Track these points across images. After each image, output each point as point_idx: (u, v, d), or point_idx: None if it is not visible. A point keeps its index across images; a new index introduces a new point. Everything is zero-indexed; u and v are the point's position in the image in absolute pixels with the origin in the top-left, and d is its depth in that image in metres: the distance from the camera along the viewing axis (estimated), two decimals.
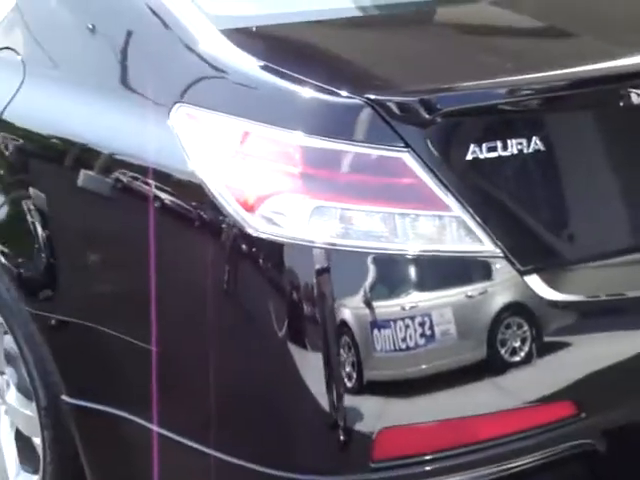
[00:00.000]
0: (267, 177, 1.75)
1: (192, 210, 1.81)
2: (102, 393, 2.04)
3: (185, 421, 1.90)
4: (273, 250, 1.73)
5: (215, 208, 1.76)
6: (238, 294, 1.78)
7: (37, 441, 2.25)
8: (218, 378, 1.83)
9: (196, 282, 1.82)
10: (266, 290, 1.74)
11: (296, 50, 1.98)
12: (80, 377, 2.08)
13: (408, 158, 1.73)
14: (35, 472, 2.37)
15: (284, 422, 1.79)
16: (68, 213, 2.04)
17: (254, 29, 1.98)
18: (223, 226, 1.76)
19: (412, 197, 1.74)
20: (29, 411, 2.25)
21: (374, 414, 1.75)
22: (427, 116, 1.74)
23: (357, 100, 1.74)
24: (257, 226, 1.73)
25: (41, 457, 2.25)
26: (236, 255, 1.77)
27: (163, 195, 1.84)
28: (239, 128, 1.78)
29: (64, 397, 2.08)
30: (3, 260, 2.15)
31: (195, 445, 1.86)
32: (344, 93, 1.75)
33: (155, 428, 1.91)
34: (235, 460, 1.81)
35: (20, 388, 2.32)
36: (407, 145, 1.73)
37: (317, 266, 1.71)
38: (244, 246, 1.75)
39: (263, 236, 1.72)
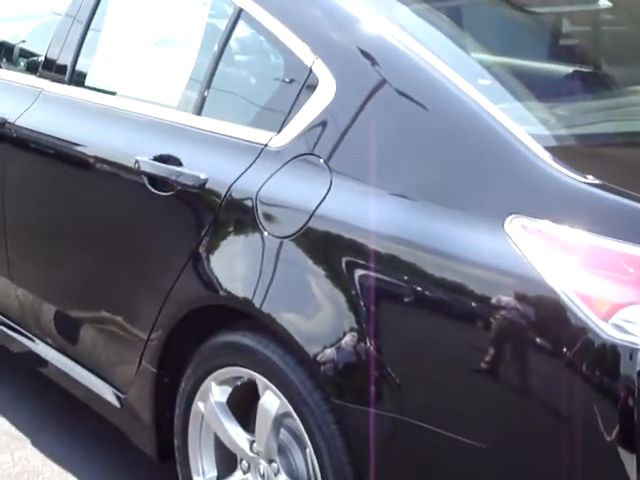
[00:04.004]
0: (619, 288, 1.89)
1: (536, 314, 1.94)
2: None
3: None
4: (627, 356, 1.85)
5: (563, 313, 1.90)
6: (585, 397, 1.89)
7: None
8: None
9: (536, 381, 1.96)
10: (619, 395, 1.86)
11: (626, 167, 2.15)
12: (389, 469, 2.16)
13: None
14: None
15: None
16: (393, 315, 2.16)
17: (575, 147, 2.17)
18: (572, 330, 1.89)
19: None
20: None
21: None
22: None
23: None
24: (611, 333, 1.87)
25: None
26: (584, 358, 1.89)
27: (504, 299, 1.98)
28: (586, 240, 1.93)
29: None
30: (308, 352, 2.26)
31: None
32: None
33: None
34: None
35: (292, 476, 2.43)
36: None
37: None
38: (595, 351, 1.88)
39: (618, 342, 1.86)
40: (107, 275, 2.91)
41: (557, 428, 1.96)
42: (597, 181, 2.00)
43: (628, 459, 1.88)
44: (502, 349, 2.00)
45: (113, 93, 3.05)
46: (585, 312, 1.89)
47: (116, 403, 2.91)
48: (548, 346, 1.94)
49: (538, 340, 1.95)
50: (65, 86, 3.17)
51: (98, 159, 2.92)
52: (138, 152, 2.73)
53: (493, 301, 2.00)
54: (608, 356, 1.87)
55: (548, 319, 1.94)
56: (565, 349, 1.91)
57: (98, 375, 3.02)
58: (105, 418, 3.00)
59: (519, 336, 1.98)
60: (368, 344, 2.17)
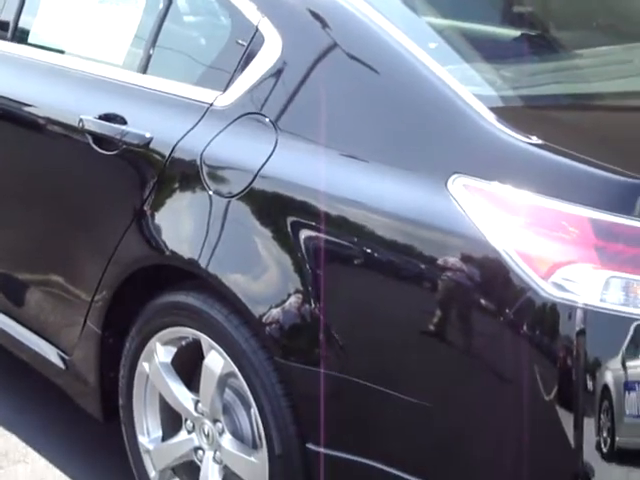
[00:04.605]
0: (559, 247, 1.91)
1: (478, 273, 1.96)
2: (357, 444, 2.14)
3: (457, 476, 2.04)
4: (566, 315, 1.87)
5: (505, 273, 1.91)
6: (525, 356, 1.91)
7: None
8: (488, 434, 1.98)
9: (478, 340, 1.98)
10: (558, 355, 1.88)
11: (569, 128, 2.16)
12: (333, 427, 2.17)
13: None
14: None
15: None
16: (335, 275, 2.16)
17: (519, 108, 2.18)
18: (514, 289, 1.91)
19: None
20: (253, 458, 2.35)
21: None
22: None
23: None
24: (551, 291, 1.89)
25: None
26: (524, 317, 1.91)
27: (447, 259, 1.99)
28: (528, 200, 1.95)
29: (310, 445, 2.20)
30: (252, 312, 2.25)
31: None
32: (629, 172, 1.92)
33: None
34: None
35: (237, 435, 2.43)
36: None
37: (614, 332, 1.87)
38: (535, 309, 1.90)
39: (557, 301, 1.88)
40: (51, 236, 2.87)
41: (498, 387, 1.98)
42: (540, 142, 2.01)
43: (566, 418, 1.91)
44: (445, 309, 2.01)
45: (57, 51, 3.00)
46: (526, 271, 1.90)
47: (61, 365, 2.89)
48: (490, 306, 1.95)
49: (480, 300, 1.96)
50: (8, 43, 3.11)
51: (41, 118, 2.88)
52: (82, 111, 2.69)
53: (437, 261, 2.01)
54: (548, 315, 1.90)
55: (490, 279, 1.96)
56: (506, 308, 1.92)
57: (43, 337, 3.00)
58: (50, 380, 2.99)
59: (462, 296, 1.99)
60: (313, 305, 2.17)
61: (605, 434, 1.89)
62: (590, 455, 1.89)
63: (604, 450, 1.89)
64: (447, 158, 2.07)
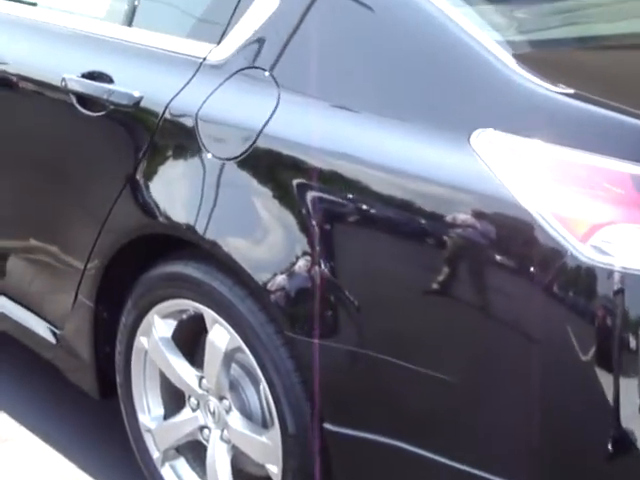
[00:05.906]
0: (598, 207, 1.75)
1: (507, 235, 1.80)
2: (382, 423, 1.99)
3: (481, 452, 1.89)
4: (606, 279, 1.72)
5: (538, 235, 1.75)
6: (564, 321, 1.76)
7: (273, 469, 2.21)
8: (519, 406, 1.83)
9: (509, 309, 1.82)
10: (600, 319, 1.73)
11: (600, 76, 1.98)
12: (351, 406, 2.03)
13: None
14: None
15: (595, 452, 1.79)
16: (348, 240, 2.00)
17: (546, 55, 2.00)
18: (548, 253, 1.75)
19: None
20: (264, 438, 2.21)
21: None
22: None
23: None
24: (589, 255, 1.73)
25: None
26: (564, 282, 1.75)
27: (471, 221, 1.83)
28: (561, 155, 1.78)
29: (327, 425, 2.05)
30: (257, 282, 2.10)
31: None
32: None
33: (445, 460, 1.90)
34: None
35: (245, 413, 2.28)
36: None
37: None
38: (573, 274, 1.74)
39: (597, 265, 1.72)
40: (38, 203, 2.68)
41: (528, 353, 1.81)
42: (571, 90, 1.84)
43: (605, 379, 1.76)
44: (476, 277, 1.85)
45: (32, 4, 2.79)
46: (562, 234, 1.74)
47: (51, 338, 2.73)
48: (524, 272, 1.78)
49: (513, 266, 1.80)
50: None
51: (21, 78, 2.68)
52: (65, 69, 2.50)
53: (463, 226, 1.83)
54: (587, 280, 1.73)
55: (523, 243, 1.79)
56: (543, 275, 1.75)
57: (30, 309, 2.83)
58: (39, 355, 2.84)
59: (492, 262, 1.82)
60: (323, 274, 1.99)
61: None
62: (631, 418, 1.75)
63: None
64: (469, 111, 1.89)
